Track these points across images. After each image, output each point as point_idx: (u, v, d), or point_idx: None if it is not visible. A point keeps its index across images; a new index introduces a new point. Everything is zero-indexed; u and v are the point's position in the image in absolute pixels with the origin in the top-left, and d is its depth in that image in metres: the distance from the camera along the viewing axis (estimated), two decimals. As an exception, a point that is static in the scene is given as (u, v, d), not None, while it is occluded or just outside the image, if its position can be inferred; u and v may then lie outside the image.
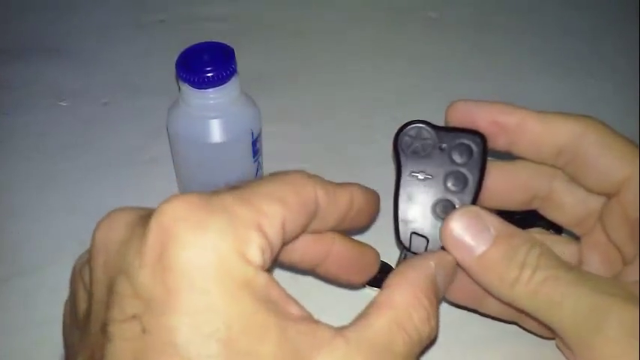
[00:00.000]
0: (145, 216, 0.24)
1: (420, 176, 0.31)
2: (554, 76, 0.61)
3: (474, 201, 0.31)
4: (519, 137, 0.31)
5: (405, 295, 0.26)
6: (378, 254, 0.34)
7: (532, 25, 0.68)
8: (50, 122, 0.55)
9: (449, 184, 0.31)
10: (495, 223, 0.29)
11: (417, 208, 0.31)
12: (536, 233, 0.34)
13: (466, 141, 0.31)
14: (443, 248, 0.30)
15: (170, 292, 0.21)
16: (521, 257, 0.28)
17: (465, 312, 0.39)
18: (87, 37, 0.65)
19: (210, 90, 0.37)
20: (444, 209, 0.30)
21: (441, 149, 0.31)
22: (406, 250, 0.31)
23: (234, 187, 0.25)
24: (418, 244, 0.31)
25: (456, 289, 0.31)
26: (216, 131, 0.38)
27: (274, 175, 0.27)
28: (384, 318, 0.25)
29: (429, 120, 0.32)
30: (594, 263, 0.32)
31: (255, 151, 0.41)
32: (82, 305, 0.26)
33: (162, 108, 0.41)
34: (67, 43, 0.64)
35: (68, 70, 0.61)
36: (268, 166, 0.45)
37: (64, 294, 0.43)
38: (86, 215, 0.48)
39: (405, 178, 0.31)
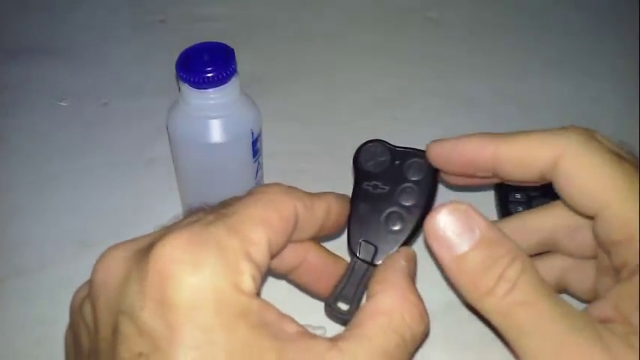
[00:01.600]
0: (141, 251, 0.25)
1: (374, 189, 0.33)
2: (554, 76, 0.61)
3: (423, 216, 0.31)
4: (497, 167, 0.31)
5: (393, 298, 0.27)
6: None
7: (532, 25, 0.68)
8: (50, 122, 0.56)
9: (401, 199, 0.32)
10: (482, 225, 0.27)
11: (369, 218, 0.32)
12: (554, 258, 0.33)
13: (419, 160, 0.33)
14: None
15: (173, 329, 0.23)
16: (500, 268, 0.26)
17: (464, 312, 0.39)
18: (87, 37, 0.65)
19: (210, 90, 0.37)
20: (394, 221, 0.32)
21: (396, 166, 0.33)
22: (355, 258, 0.32)
23: (220, 210, 0.27)
24: (367, 251, 0.32)
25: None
26: (216, 131, 0.38)
27: (256, 193, 0.28)
28: (377, 325, 0.26)
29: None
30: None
31: (255, 151, 0.41)
32: (86, 341, 0.27)
33: (163, 108, 0.41)
34: (67, 43, 0.64)
35: (68, 71, 0.61)
36: (268, 166, 0.45)
37: (64, 294, 0.43)
38: (86, 215, 0.49)
39: (359, 189, 0.33)
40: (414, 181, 0.33)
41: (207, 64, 0.37)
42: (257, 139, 0.41)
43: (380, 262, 0.32)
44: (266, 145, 0.43)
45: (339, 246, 0.35)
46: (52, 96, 0.58)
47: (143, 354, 0.23)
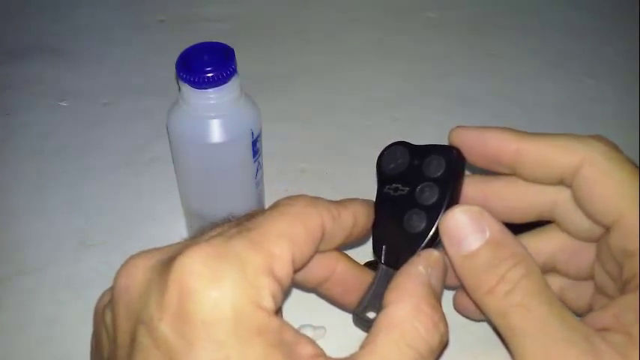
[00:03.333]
0: (163, 262, 0.25)
1: (395, 192, 0.32)
2: (554, 76, 0.61)
3: (445, 210, 0.30)
4: (519, 164, 0.31)
5: (406, 309, 0.26)
6: None
7: (532, 25, 0.68)
8: (50, 122, 0.56)
9: (422, 198, 0.31)
10: (494, 227, 0.28)
11: (391, 222, 0.31)
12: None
13: (438, 156, 0.31)
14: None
15: (189, 344, 0.23)
16: (502, 269, 0.27)
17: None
18: (87, 37, 0.65)
19: (210, 90, 0.37)
20: (416, 222, 0.31)
21: (415, 165, 0.32)
22: (381, 264, 0.31)
23: (244, 223, 0.26)
24: (391, 256, 0.31)
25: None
26: (216, 131, 0.38)
27: (281, 206, 0.27)
28: (391, 339, 0.25)
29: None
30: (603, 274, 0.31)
31: (255, 151, 0.41)
32: (106, 347, 0.27)
33: (163, 108, 0.41)
34: (68, 43, 0.64)
35: (69, 71, 0.61)
36: (268, 166, 0.45)
37: (64, 293, 0.43)
38: (86, 215, 0.49)
39: (382, 194, 0.32)
40: (433, 179, 0.31)
41: (207, 64, 0.37)
42: (257, 139, 0.41)
43: (399, 265, 0.30)
44: (266, 145, 0.43)
45: (365, 252, 0.35)
46: (52, 96, 0.58)
47: None
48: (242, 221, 0.27)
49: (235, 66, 0.37)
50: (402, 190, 0.31)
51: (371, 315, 0.30)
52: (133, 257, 0.27)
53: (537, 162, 0.30)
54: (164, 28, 0.67)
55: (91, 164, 0.52)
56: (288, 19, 0.68)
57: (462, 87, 0.60)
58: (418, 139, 0.35)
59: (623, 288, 0.28)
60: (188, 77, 0.36)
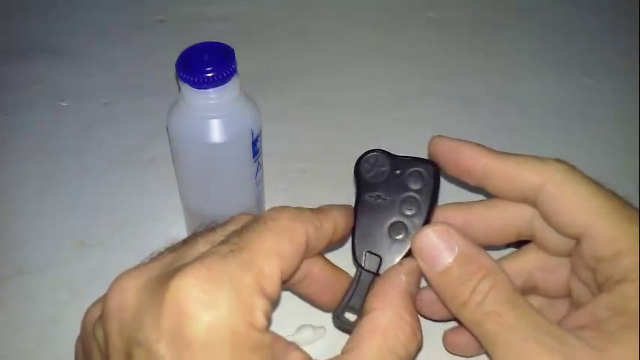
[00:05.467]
0: (154, 280, 0.26)
1: (376, 199, 0.33)
2: (554, 76, 0.61)
3: (426, 224, 0.33)
4: (485, 178, 0.33)
5: (388, 316, 0.28)
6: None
7: (532, 25, 0.68)
8: (51, 122, 0.56)
9: (403, 208, 0.33)
10: (461, 243, 0.30)
11: (373, 229, 0.33)
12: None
13: (419, 169, 0.33)
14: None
15: None
16: (473, 283, 0.29)
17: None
18: (87, 37, 0.65)
19: (210, 90, 0.37)
20: (397, 231, 0.33)
21: (397, 176, 0.33)
22: (361, 269, 0.33)
23: (233, 240, 0.27)
24: (372, 262, 0.33)
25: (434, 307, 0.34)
26: (216, 131, 0.38)
27: (268, 221, 0.29)
28: (374, 344, 0.27)
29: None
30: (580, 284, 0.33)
31: (255, 151, 0.41)
32: None
33: (163, 108, 0.41)
34: (67, 43, 0.64)
35: (68, 71, 0.61)
36: (268, 166, 0.45)
37: (64, 294, 0.43)
38: (86, 215, 0.49)
39: (362, 200, 0.33)
40: (415, 190, 0.33)
41: (207, 64, 0.37)
42: (257, 139, 0.41)
43: (380, 272, 0.32)
44: (266, 145, 0.43)
45: (342, 256, 0.35)
46: (52, 96, 0.58)
47: None
48: (231, 238, 0.28)
49: (235, 66, 0.37)
50: (384, 199, 0.33)
51: (350, 317, 0.32)
52: (121, 276, 0.27)
53: (501, 178, 0.32)
54: (164, 28, 0.67)
55: (91, 164, 0.52)
56: (288, 19, 0.68)
57: (462, 87, 0.60)
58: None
59: (598, 292, 0.29)
60: (188, 77, 0.36)
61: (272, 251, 0.27)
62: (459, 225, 0.32)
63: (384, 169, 0.34)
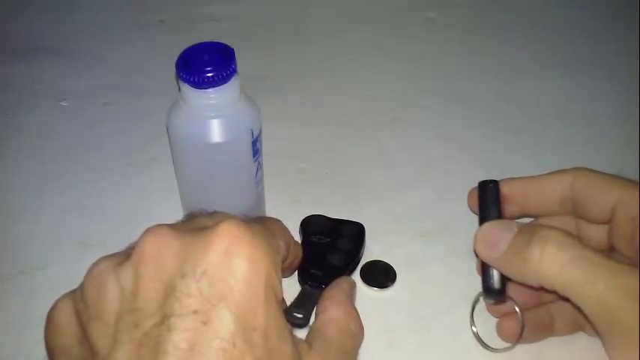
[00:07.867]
0: (192, 230, 0.28)
1: (318, 240, 0.44)
2: (554, 76, 0.62)
3: (354, 257, 0.43)
4: (526, 201, 0.40)
5: (340, 310, 0.34)
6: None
7: (531, 25, 0.68)
8: (50, 122, 0.56)
9: (339, 245, 0.43)
10: (519, 224, 0.35)
11: (318, 256, 0.42)
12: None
13: (351, 224, 0.45)
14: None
15: (228, 292, 0.26)
16: (544, 233, 0.33)
17: (464, 314, 0.39)
18: (87, 37, 0.65)
19: (210, 90, 0.37)
20: (335, 259, 0.42)
21: (334, 227, 0.45)
22: (307, 284, 0.41)
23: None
24: (316, 278, 0.41)
25: (526, 331, 0.38)
26: (216, 131, 0.38)
27: (264, 222, 0.33)
28: (334, 329, 0.32)
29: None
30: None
31: (255, 151, 0.41)
32: (114, 305, 0.27)
33: (163, 108, 0.41)
34: (67, 43, 0.64)
35: (68, 71, 0.61)
36: (268, 166, 0.45)
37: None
38: (86, 215, 0.49)
39: (308, 240, 0.44)
40: (347, 235, 0.44)
41: (207, 64, 0.37)
42: (257, 139, 0.41)
43: (323, 286, 0.39)
44: (266, 145, 0.43)
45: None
46: (53, 96, 0.58)
47: (197, 311, 0.25)
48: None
49: (235, 66, 0.37)
50: (326, 240, 0.44)
51: (298, 314, 0.39)
52: (155, 227, 0.28)
53: (541, 193, 0.40)
54: (164, 28, 0.67)
55: (91, 164, 0.52)
56: (288, 19, 0.68)
57: (462, 87, 0.60)
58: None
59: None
60: (188, 77, 0.37)
61: (281, 234, 0.33)
62: (519, 191, 0.40)
63: (325, 224, 0.45)
